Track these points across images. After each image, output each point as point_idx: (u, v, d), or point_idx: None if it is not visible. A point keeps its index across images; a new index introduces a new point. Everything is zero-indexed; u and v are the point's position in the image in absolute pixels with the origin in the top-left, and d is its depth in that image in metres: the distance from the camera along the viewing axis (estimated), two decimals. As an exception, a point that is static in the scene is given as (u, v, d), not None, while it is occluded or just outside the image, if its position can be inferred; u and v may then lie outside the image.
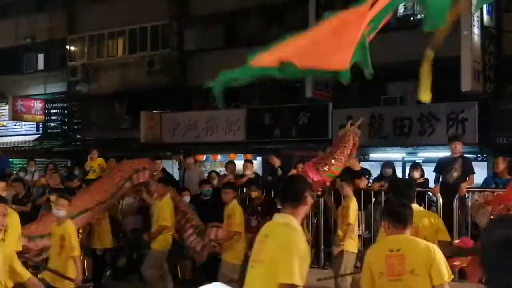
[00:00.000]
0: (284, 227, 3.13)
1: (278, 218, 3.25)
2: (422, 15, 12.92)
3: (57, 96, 20.63)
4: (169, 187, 8.02)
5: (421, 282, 3.50)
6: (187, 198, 8.67)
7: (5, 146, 20.35)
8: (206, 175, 10.30)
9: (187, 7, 17.65)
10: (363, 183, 8.36)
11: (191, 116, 15.98)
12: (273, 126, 14.26)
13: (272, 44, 3.45)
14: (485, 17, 11.62)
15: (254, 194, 8.30)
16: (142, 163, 8.39)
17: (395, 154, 13.35)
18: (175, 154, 13.02)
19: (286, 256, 2.98)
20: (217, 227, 7.67)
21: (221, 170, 12.26)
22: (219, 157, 16.36)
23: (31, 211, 9.30)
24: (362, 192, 8.13)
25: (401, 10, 12.87)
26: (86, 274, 8.84)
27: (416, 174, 8.37)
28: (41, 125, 20.96)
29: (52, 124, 20.83)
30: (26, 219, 7.73)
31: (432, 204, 8.13)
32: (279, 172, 9.16)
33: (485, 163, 12.11)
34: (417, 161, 10.94)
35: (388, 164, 8.95)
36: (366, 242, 8.02)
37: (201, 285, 3.19)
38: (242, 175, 9.54)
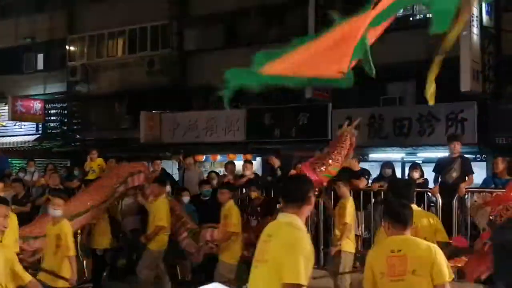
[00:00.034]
0: (289, 226, 3.13)
1: (282, 217, 3.24)
2: (422, 16, 12.95)
3: (56, 96, 20.63)
4: (164, 187, 7.97)
5: (423, 282, 3.52)
6: (186, 199, 8.66)
7: (4, 146, 20.35)
8: (205, 175, 10.30)
9: (187, 7, 17.65)
10: (362, 183, 8.37)
11: (191, 116, 15.98)
12: (273, 126, 14.27)
13: (281, 50, 3.53)
14: (484, 17, 11.62)
15: (253, 194, 8.31)
16: (137, 167, 8.36)
17: (395, 154, 13.35)
18: (175, 154, 13.00)
19: (292, 256, 2.98)
20: (212, 227, 7.66)
21: (221, 170, 12.26)
22: (218, 157, 16.36)
23: (31, 212, 9.30)
24: (362, 192, 8.14)
25: (400, 10, 12.86)
26: (86, 275, 8.85)
27: (416, 175, 8.37)
28: (40, 125, 20.95)
29: (52, 124, 20.82)
30: (26, 219, 7.74)
31: (432, 204, 8.13)
32: (279, 172, 9.16)
33: (485, 163, 12.11)
34: (416, 161, 10.95)
35: (387, 165, 8.95)
36: (366, 242, 8.04)
37: (200, 285, 3.20)
38: (242, 176, 9.54)
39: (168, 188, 9.29)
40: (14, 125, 21.30)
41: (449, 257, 3.83)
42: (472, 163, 8.37)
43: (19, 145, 20.25)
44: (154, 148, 15.56)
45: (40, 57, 21.37)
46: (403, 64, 12.50)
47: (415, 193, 7.39)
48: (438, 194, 7.76)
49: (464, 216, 7.63)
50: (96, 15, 19.16)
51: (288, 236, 3.07)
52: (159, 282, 7.66)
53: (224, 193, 7.27)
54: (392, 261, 3.60)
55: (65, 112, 20.52)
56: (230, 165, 10.21)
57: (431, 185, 8.19)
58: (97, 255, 8.47)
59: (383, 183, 8.11)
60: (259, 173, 11.46)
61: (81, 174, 11.15)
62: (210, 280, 6.26)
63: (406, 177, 9.17)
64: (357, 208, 8.19)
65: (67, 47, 19.68)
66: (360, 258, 7.11)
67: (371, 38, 3.20)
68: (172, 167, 13.70)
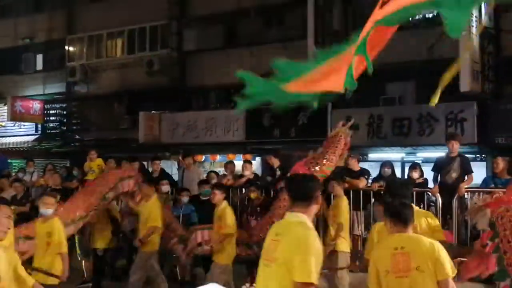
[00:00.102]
0: (299, 225, 3.15)
1: (290, 217, 3.26)
2: (422, 16, 12.93)
3: (56, 96, 20.61)
4: (153, 187, 7.92)
5: (427, 278, 3.61)
6: (186, 199, 8.66)
7: (3, 146, 20.35)
8: (205, 175, 10.30)
9: (187, 7, 17.64)
10: (362, 183, 8.36)
11: (190, 116, 15.98)
12: (273, 126, 14.25)
13: (303, 64, 3.63)
14: (484, 17, 11.62)
15: (253, 195, 8.30)
16: (127, 172, 8.29)
17: (394, 154, 13.35)
18: (174, 154, 13.02)
19: (303, 255, 3.01)
20: (202, 229, 7.62)
21: (221, 170, 12.26)
22: (218, 157, 16.36)
23: (30, 212, 9.29)
24: (362, 192, 8.13)
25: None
26: (85, 275, 8.84)
27: (415, 174, 8.37)
28: (40, 126, 20.92)
29: (51, 125, 20.80)
30: (25, 219, 7.73)
31: (432, 204, 8.13)
32: (278, 172, 9.16)
33: (484, 163, 12.12)
34: (416, 161, 10.95)
35: (387, 164, 8.94)
36: (366, 242, 8.03)
37: (198, 286, 3.19)
38: (241, 176, 9.54)
39: (168, 188, 9.31)
40: (14, 126, 21.27)
41: (453, 257, 3.86)
42: (472, 163, 8.36)
43: (18, 146, 20.24)
44: (154, 148, 15.54)
45: (39, 57, 21.34)
46: (402, 64, 12.50)
47: (414, 193, 7.48)
48: (438, 194, 7.76)
49: (464, 216, 7.62)
50: (95, 15, 19.15)
51: (299, 235, 3.10)
52: (155, 283, 7.61)
53: (216, 193, 7.18)
54: (396, 258, 3.68)
55: (65, 112, 20.50)
56: (230, 165, 10.21)
57: (430, 185, 8.18)
58: (97, 255, 8.46)
59: (382, 183, 8.10)
60: (259, 173, 11.45)
61: (80, 175, 11.14)
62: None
63: (406, 177, 9.17)
64: (357, 208, 8.20)
65: (66, 47, 19.65)
66: (360, 257, 7.10)
67: (374, 46, 3.20)
68: (171, 167, 13.71)
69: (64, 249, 6.14)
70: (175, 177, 11.03)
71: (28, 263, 6.31)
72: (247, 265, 7.78)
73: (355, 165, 8.65)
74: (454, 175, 7.81)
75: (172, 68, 17.44)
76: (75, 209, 7.37)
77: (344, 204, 7.22)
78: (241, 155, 14.71)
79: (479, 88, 11.38)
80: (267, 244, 3.27)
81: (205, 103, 17.47)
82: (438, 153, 10.95)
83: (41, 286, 4.22)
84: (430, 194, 8.04)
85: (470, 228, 7.44)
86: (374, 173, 9.24)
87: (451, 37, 2.65)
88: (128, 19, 17.85)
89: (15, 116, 19.84)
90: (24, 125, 21.10)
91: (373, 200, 8.17)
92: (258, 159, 15.08)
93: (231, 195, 9.16)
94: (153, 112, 16.56)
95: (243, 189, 9.06)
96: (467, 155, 8.90)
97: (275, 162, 9.35)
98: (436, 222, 4.94)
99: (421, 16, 13.27)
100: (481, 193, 7.42)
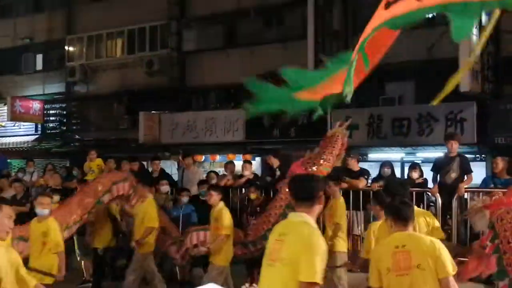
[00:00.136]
0: (303, 225, 3.16)
1: (294, 217, 3.28)
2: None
3: (55, 96, 20.61)
4: (148, 188, 7.85)
5: (428, 276, 3.63)
6: (185, 199, 8.66)
7: (3, 147, 20.35)
8: (205, 175, 10.30)
9: (186, 7, 17.64)
10: (362, 183, 8.36)
11: (190, 116, 15.98)
12: (272, 126, 14.25)
13: (313, 73, 3.77)
14: (483, 17, 11.61)
15: (253, 195, 8.30)
16: (122, 175, 8.23)
17: (394, 154, 13.35)
18: (174, 155, 13.02)
19: (309, 255, 3.02)
20: (197, 230, 7.61)
21: (220, 170, 12.26)
22: (218, 157, 16.37)
23: (30, 212, 9.28)
24: (361, 192, 8.13)
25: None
26: (85, 275, 8.84)
27: (415, 174, 8.37)
28: (39, 126, 20.92)
29: (51, 125, 20.80)
30: (25, 219, 7.71)
31: (431, 204, 8.13)
32: (278, 172, 9.16)
33: (484, 163, 12.12)
34: (416, 161, 10.96)
35: (386, 164, 8.94)
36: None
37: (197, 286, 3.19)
38: (241, 176, 9.54)
39: (168, 188, 9.31)
40: (13, 126, 21.28)
41: (453, 257, 3.87)
42: (472, 163, 8.36)
43: (18, 146, 20.24)
44: (153, 148, 15.55)
45: (39, 57, 21.35)
46: (402, 64, 12.50)
47: (414, 193, 7.48)
48: (438, 194, 7.76)
49: (463, 216, 7.62)
50: (95, 15, 19.14)
51: (304, 235, 3.11)
52: (152, 284, 7.59)
53: (212, 195, 7.11)
54: (397, 257, 3.71)
55: (64, 112, 20.50)
56: (230, 164, 10.21)
57: (430, 185, 8.18)
58: (98, 255, 8.45)
59: (382, 183, 8.10)
60: (259, 173, 11.45)
61: (80, 175, 11.14)
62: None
63: (406, 177, 9.17)
64: (357, 208, 8.20)
65: (66, 47, 19.66)
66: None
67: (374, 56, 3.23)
68: (171, 167, 13.71)
69: (61, 248, 6.12)
70: (175, 177, 11.04)
71: (23, 263, 6.30)
72: (247, 265, 7.78)
73: (355, 165, 8.65)
74: (453, 175, 7.80)
75: (172, 68, 17.44)
76: (69, 215, 7.27)
77: (340, 204, 7.21)
78: (241, 155, 14.72)
79: (479, 88, 11.38)
80: (270, 244, 3.27)
81: (205, 103, 17.47)
82: (438, 153, 10.96)
83: (43, 287, 4.19)
84: (429, 194, 8.04)
85: (470, 228, 7.44)
86: (373, 173, 9.24)
87: (457, 41, 2.66)
88: (128, 19, 17.85)
89: (15, 116, 19.84)
90: (23, 125, 21.10)
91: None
92: (258, 159, 15.09)
93: (231, 195, 9.17)
94: (153, 112, 16.57)
95: (243, 189, 9.07)
96: (466, 155, 8.90)
97: (275, 162, 9.35)
98: (435, 221, 4.98)
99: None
100: (481, 193, 7.42)
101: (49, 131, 20.75)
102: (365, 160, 12.95)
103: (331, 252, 6.97)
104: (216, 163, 16.36)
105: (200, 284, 4.47)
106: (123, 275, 7.69)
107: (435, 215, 6.73)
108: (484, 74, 11.61)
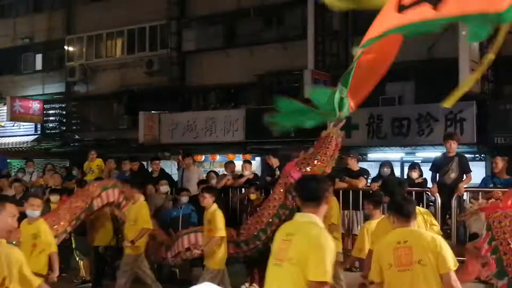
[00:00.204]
0: (312, 225, 3.18)
1: (301, 217, 3.28)
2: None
3: (55, 96, 20.63)
4: (138, 188, 7.74)
5: (429, 271, 3.68)
6: (185, 199, 8.65)
7: (3, 147, 20.35)
8: (205, 175, 10.30)
9: (186, 7, 17.65)
10: (361, 183, 8.37)
11: (190, 116, 15.98)
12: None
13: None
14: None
15: (253, 195, 8.29)
16: (111, 182, 8.20)
17: (394, 154, 13.36)
18: (174, 155, 13.02)
19: (318, 254, 3.03)
20: (188, 233, 7.57)
21: (220, 170, 12.27)
22: (218, 157, 16.38)
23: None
24: (361, 192, 8.14)
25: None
26: (84, 275, 8.84)
27: (415, 174, 8.38)
28: (39, 126, 20.93)
29: (51, 125, 20.81)
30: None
31: (431, 204, 8.13)
32: (278, 172, 9.16)
33: (483, 162, 12.14)
34: (415, 161, 10.96)
35: (386, 164, 8.93)
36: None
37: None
38: (241, 176, 9.54)
39: (167, 188, 9.31)
40: (13, 126, 21.28)
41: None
42: (471, 163, 8.37)
43: (18, 146, 20.25)
44: (153, 148, 15.56)
45: (39, 57, 21.36)
46: (402, 64, 12.49)
47: (414, 192, 7.49)
48: (437, 194, 7.76)
49: (459, 218, 7.62)
50: (95, 15, 19.15)
51: (312, 234, 3.12)
52: (146, 285, 7.56)
53: (206, 197, 7.06)
54: (399, 252, 3.77)
55: (64, 112, 20.51)
56: (230, 164, 10.21)
57: (430, 184, 8.18)
58: (98, 254, 8.45)
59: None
60: (258, 173, 11.46)
61: (80, 175, 11.14)
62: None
63: (405, 177, 9.17)
64: (357, 208, 8.20)
65: (65, 47, 19.68)
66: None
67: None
68: (171, 167, 13.72)
69: (54, 248, 6.10)
70: (175, 177, 11.04)
71: None
72: (247, 265, 7.77)
73: (355, 165, 8.65)
74: (452, 175, 7.80)
75: (172, 68, 17.45)
76: (58, 223, 7.21)
77: (334, 205, 7.20)
78: (240, 155, 14.72)
79: (479, 88, 11.39)
80: (277, 244, 3.27)
81: (205, 103, 17.48)
82: (438, 153, 10.95)
83: (47, 287, 4.17)
84: (429, 193, 8.04)
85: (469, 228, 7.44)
86: (373, 173, 9.25)
87: (471, 42, 2.69)
88: (128, 19, 17.87)
89: (14, 116, 19.85)
90: (23, 125, 21.10)
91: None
92: (257, 159, 15.09)
93: (231, 195, 9.18)
94: (152, 112, 16.57)
95: (243, 189, 9.07)
96: (466, 155, 8.91)
97: (275, 162, 9.35)
98: (432, 218, 5.04)
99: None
100: (480, 193, 7.43)
101: (48, 131, 20.76)
102: (365, 160, 12.96)
103: None
104: (216, 163, 16.37)
105: None
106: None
107: (435, 214, 6.73)
108: (484, 74, 11.61)
